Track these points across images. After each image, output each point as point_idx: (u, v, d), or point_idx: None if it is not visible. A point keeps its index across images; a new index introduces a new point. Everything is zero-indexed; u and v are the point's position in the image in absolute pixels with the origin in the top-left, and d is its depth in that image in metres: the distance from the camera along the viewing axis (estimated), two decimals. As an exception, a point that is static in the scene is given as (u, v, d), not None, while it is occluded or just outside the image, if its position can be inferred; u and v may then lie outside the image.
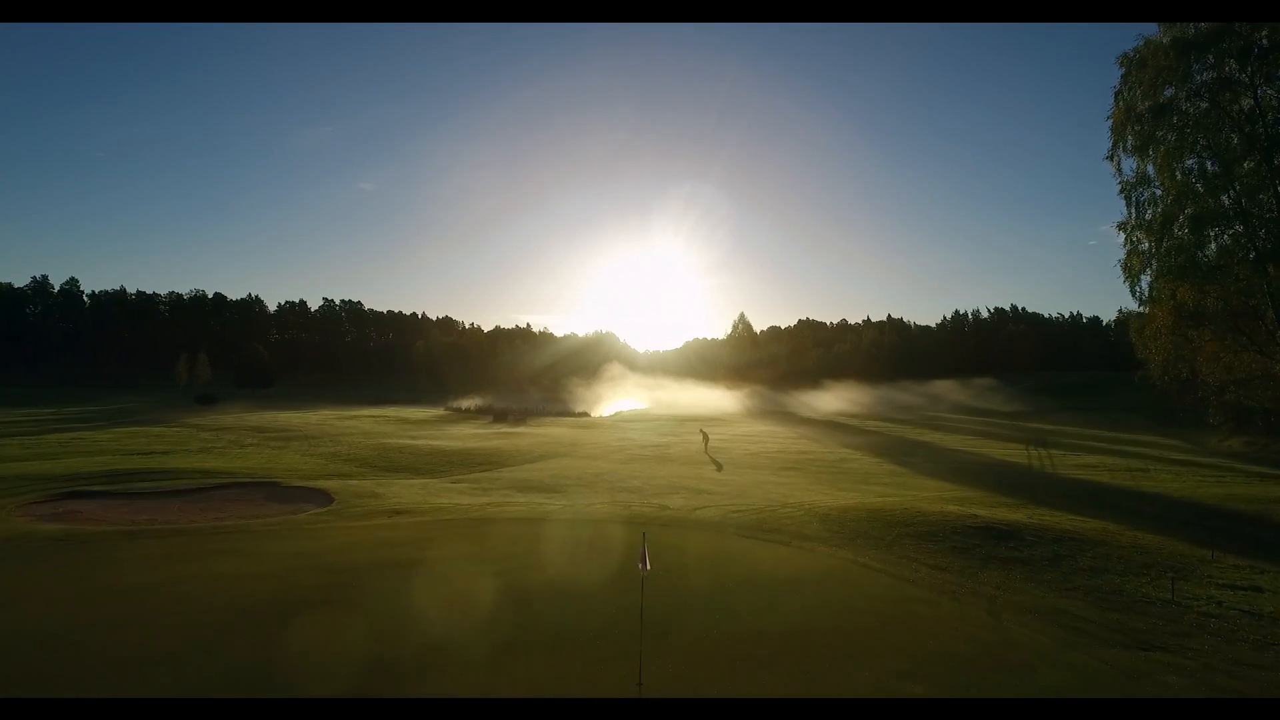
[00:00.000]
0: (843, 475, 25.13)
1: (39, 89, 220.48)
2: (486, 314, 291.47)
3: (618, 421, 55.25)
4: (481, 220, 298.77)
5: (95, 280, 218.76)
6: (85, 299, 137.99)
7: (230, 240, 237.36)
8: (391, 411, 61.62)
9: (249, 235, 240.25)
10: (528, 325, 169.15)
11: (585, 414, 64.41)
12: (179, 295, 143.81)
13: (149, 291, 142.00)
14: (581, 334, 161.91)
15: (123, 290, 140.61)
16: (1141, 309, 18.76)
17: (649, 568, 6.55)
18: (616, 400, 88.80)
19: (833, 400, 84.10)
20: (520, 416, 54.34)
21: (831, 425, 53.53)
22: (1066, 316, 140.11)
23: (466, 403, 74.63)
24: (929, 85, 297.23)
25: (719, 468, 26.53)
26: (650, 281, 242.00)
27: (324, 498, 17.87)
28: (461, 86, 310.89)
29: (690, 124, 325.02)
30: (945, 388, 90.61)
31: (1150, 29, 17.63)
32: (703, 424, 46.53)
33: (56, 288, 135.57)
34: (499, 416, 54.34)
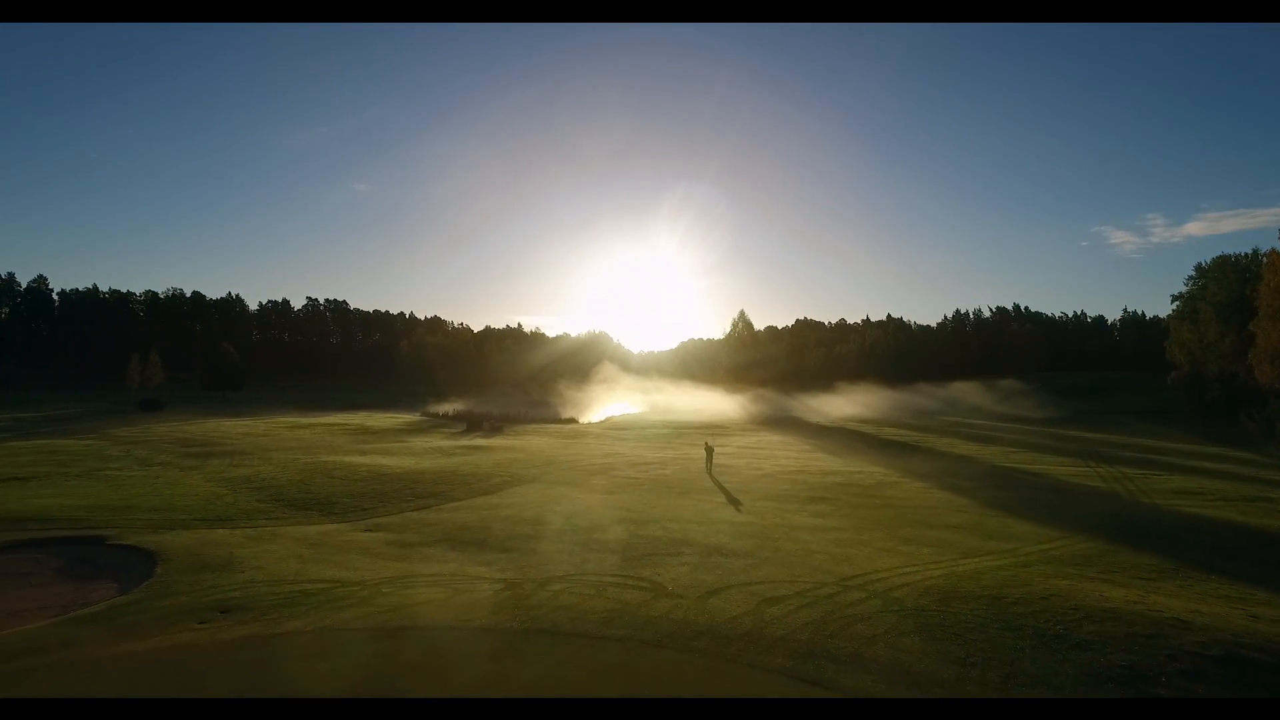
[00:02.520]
0: (893, 511, 19.15)
1: (35, 88, 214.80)
2: (481, 315, 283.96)
3: (607, 430, 49.10)
4: (476, 220, 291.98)
5: (72, 279, 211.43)
6: (54, 297, 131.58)
7: (226, 243, 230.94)
8: (358, 418, 55.47)
9: (247, 239, 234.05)
10: (519, 325, 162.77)
11: (573, 420, 58.24)
12: (154, 294, 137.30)
13: (124, 290, 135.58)
14: (575, 334, 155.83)
15: (94, 289, 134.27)
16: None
17: None
18: (608, 404, 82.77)
19: (841, 404, 78.04)
20: (497, 424, 48.13)
21: (848, 434, 47.59)
22: (1070, 316, 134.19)
23: (445, 407, 68.67)
24: (927, 84, 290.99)
25: (734, 503, 20.43)
26: (645, 282, 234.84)
27: (144, 569, 11.83)
28: (459, 87, 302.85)
29: (686, 124, 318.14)
30: (962, 390, 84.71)
31: None
32: (704, 433, 40.63)
33: (24, 285, 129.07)
34: (473, 425, 48.10)
